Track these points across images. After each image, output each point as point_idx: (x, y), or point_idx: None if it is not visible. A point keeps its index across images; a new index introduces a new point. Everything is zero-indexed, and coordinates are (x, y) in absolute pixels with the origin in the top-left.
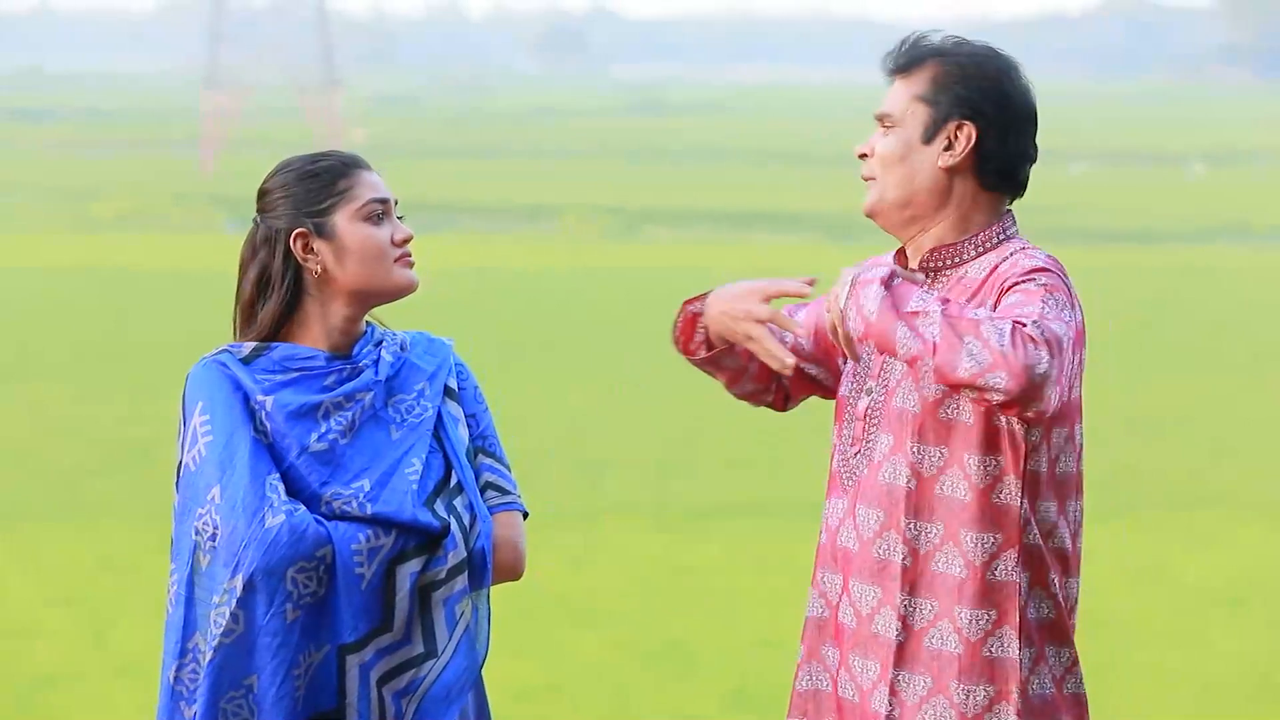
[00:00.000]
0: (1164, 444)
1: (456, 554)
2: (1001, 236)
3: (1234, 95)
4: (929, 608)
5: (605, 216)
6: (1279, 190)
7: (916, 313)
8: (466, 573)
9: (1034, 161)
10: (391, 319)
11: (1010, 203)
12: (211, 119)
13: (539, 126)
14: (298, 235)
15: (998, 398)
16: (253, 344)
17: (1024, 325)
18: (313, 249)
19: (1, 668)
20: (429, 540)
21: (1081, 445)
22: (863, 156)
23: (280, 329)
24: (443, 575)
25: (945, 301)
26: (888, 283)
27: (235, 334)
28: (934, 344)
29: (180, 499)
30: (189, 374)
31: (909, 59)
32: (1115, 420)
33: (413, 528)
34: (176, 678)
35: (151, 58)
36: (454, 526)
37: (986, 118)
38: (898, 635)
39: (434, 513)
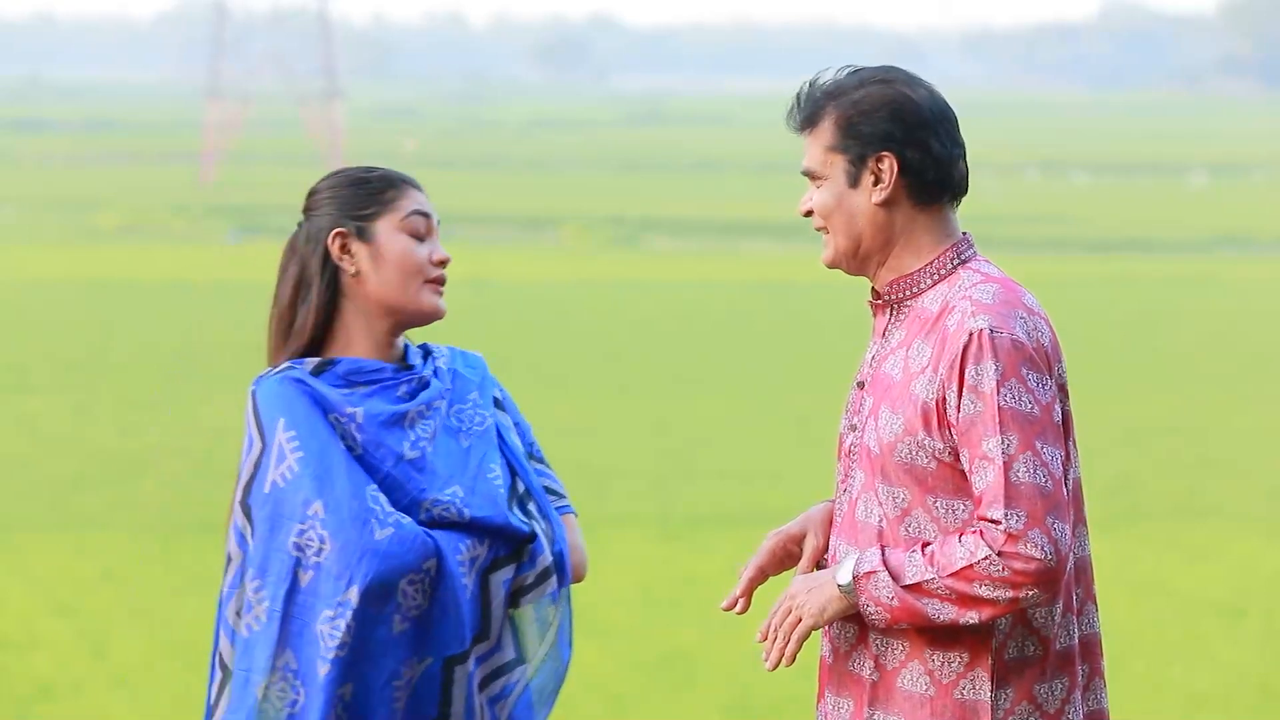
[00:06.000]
0: (1163, 455)
1: (544, 558)
2: (956, 261)
3: (1234, 106)
4: (900, 648)
5: (605, 227)
6: None
7: (919, 584)
8: (555, 576)
9: (964, 156)
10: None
11: (955, 206)
12: (212, 129)
13: (539, 137)
14: (337, 234)
15: (1038, 599)
16: (314, 360)
17: (993, 532)
18: (350, 250)
19: (0, 678)
20: (515, 547)
21: (1070, 467)
22: (807, 214)
23: (322, 340)
24: (531, 579)
25: (925, 547)
26: (887, 563)
27: (269, 342)
28: (957, 604)
29: (265, 515)
30: (256, 390)
31: (808, 113)
32: (1114, 431)
33: (501, 535)
34: (265, 695)
35: (152, 68)
36: (538, 530)
37: (899, 140)
38: (871, 674)
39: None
